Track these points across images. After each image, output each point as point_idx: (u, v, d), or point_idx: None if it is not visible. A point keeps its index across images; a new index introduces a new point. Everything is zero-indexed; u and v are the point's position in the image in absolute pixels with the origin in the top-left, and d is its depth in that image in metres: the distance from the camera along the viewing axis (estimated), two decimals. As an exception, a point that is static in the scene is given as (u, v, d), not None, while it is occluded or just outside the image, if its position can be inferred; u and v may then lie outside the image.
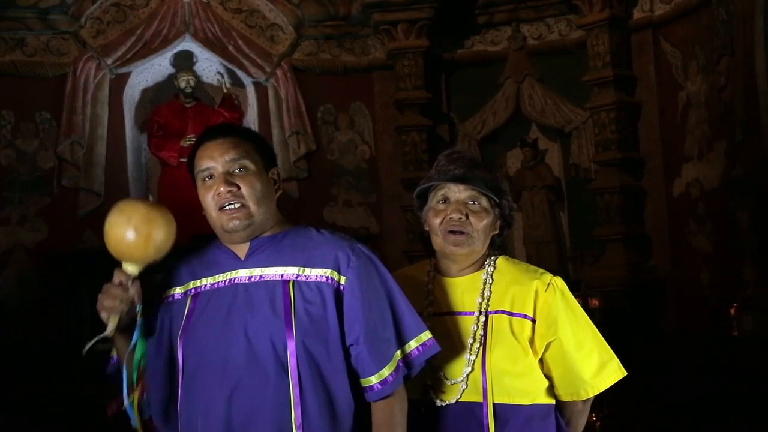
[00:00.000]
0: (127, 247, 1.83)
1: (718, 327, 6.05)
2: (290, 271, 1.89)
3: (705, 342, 5.99)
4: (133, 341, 1.84)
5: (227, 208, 1.89)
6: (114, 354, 1.97)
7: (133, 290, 1.84)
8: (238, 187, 1.89)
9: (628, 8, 7.29)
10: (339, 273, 1.88)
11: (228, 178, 1.89)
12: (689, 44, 6.72)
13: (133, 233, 1.83)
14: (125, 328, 1.85)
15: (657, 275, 7.14)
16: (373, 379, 1.85)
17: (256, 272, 1.90)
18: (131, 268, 1.85)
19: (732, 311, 5.84)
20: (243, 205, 1.89)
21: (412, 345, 1.90)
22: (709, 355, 5.53)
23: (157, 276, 2.01)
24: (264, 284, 1.89)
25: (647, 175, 7.29)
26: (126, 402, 1.83)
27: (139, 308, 1.84)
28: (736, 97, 6.06)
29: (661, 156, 7.17)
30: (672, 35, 6.97)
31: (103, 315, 1.82)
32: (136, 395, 1.84)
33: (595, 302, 6.65)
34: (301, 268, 1.89)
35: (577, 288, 6.90)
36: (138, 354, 1.85)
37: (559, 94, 7.70)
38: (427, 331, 1.93)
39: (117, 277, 1.85)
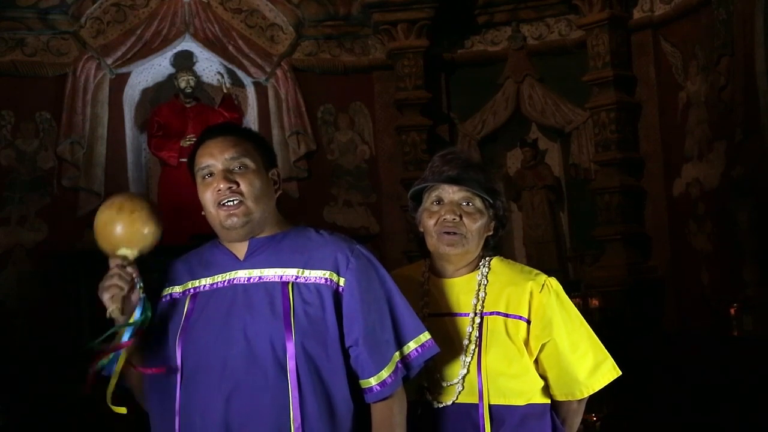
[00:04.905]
0: (115, 229, 1.84)
1: (718, 327, 6.04)
2: (289, 273, 1.89)
3: (705, 342, 5.98)
4: (137, 314, 1.83)
5: (226, 204, 1.90)
6: None
7: (131, 269, 1.84)
8: (238, 184, 1.90)
9: (628, 8, 7.27)
10: (338, 275, 1.88)
11: (227, 175, 1.90)
12: (689, 44, 6.72)
13: (118, 212, 1.85)
14: (130, 314, 1.84)
15: (657, 275, 7.13)
16: (372, 381, 1.85)
17: (255, 273, 1.90)
18: (125, 251, 1.85)
19: (732, 311, 5.83)
20: (242, 202, 1.90)
21: (411, 346, 1.90)
22: (709, 355, 5.53)
23: (155, 276, 2.01)
24: (263, 285, 1.88)
25: (647, 175, 7.28)
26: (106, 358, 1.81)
27: (139, 285, 1.84)
28: (736, 97, 6.05)
29: (661, 156, 7.16)
30: (672, 35, 6.97)
31: (105, 297, 1.81)
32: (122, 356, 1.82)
33: (595, 302, 6.64)
34: (301, 270, 1.89)
35: (577, 288, 6.89)
36: (140, 317, 1.84)
37: (559, 94, 7.69)
38: (426, 332, 1.93)
39: (113, 263, 1.85)
